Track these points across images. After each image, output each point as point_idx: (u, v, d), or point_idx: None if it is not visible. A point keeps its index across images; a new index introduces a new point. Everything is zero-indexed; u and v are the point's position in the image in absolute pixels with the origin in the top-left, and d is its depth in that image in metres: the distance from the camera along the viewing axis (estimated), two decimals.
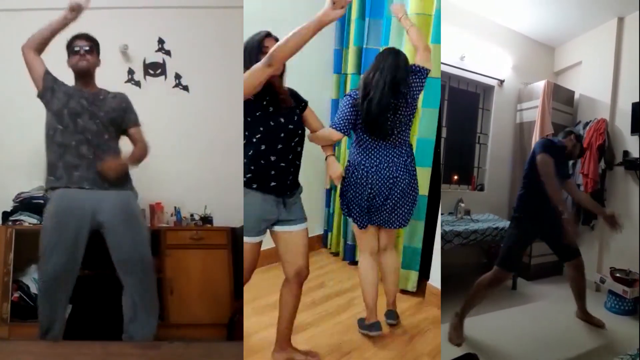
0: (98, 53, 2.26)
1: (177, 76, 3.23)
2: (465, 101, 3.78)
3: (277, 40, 1.76)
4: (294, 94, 1.99)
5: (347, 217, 2.48)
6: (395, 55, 2.19)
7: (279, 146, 1.81)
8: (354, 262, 3.39)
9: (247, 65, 1.77)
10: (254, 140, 1.80)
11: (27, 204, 2.77)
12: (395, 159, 2.24)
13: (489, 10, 3.45)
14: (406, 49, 2.61)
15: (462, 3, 3.24)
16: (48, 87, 2.13)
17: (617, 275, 2.99)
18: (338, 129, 2.14)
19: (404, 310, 2.76)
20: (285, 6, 3.20)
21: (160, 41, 3.20)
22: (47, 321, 2.10)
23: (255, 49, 1.79)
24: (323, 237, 3.86)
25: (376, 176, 2.21)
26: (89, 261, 2.23)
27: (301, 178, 2.02)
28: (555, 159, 2.31)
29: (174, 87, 3.23)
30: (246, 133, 1.81)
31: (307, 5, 3.20)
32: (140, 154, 2.27)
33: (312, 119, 2.07)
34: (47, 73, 2.15)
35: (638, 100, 3.10)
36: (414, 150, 2.87)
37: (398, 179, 2.23)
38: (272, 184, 1.81)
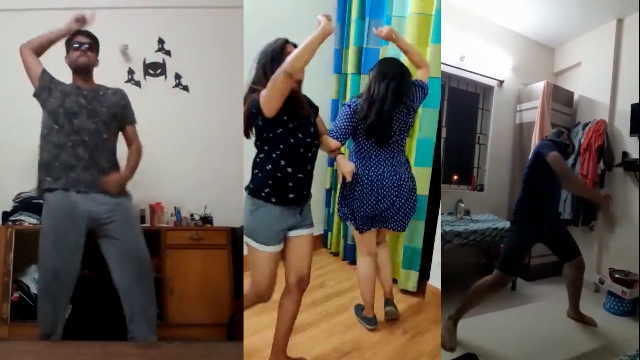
0: (97, 52, 2.26)
1: (177, 76, 3.23)
2: (465, 101, 3.79)
3: (295, 46, 1.77)
4: (308, 101, 1.97)
5: (347, 223, 2.51)
6: (400, 66, 2.27)
7: (298, 159, 1.80)
8: (353, 262, 3.39)
9: (266, 71, 1.73)
10: (274, 156, 1.76)
11: (27, 204, 2.77)
12: (396, 168, 2.31)
13: (488, 11, 3.45)
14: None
15: (462, 3, 3.25)
16: (45, 86, 2.13)
17: (616, 276, 2.99)
18: (335, 137, 2.19)
19: (404, 310, 2.76)
20: (285, 6, 3.20)
21: (160, 41, 3.20)
22: (47, 325, 2.10)
23: (277, 55, 1.75)
24: (323, 237, 3.86)
25: (382, 184, 2.28)
26: (89, 261, 2.23)
27: None
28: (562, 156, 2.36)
29: (174, 87, 3.24)
30: (265, 147, 1.77)
31: (307, 5, 3.23)
32: (136, 158, 2.28)
33: (320, 124, 2.07)
34: (44, 72, 2.16)
35: (637, 101, 3.10)
36: (414, 150, 2.89)
37: (402, 186, 2.31)
38: (291, 196, 1.80)
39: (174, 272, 2.79)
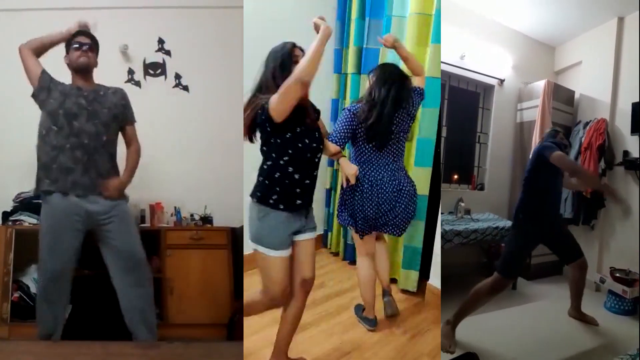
0: (97, 53, 2.27)
1: (177, 76, 3.23)
2: (466, 100, 3.78)
3: (301, 49, 1.77)
4: (311, 105, 1.96)
5: (347, 227, 2.52)
6: (400, 73, 2.31)
7: (305, 165, 1.80)
8: (353, 262, 3.38)
9: (276, 76, 1.72)
10: (282, 163, 1.75)
11: (27, 204, 2.77)
12: (396, 173, 2.34)
13: (489, 10, 3.45)
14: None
15: (462, 2, 3.24)
16: (44, 87, 2.13)
17: (617, 275, 2.99)
18: (334, 141, 2.20)
19: (404, 310, 2.76)
20: (285, 6, 3.20)
21: (160, 41, 3.20)
22: (47, 325, 2.10)
23: (287, 59, 1.74)
24: (323, 237, 3.86)
25: (382, 189, 2.29)
26: (90, 261, 2.23)
27: None
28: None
29: (174, 87, 3.23)
30: (273, 155, 1.76)
31: (307, 5, 3.23)
32: (135, 160, 2.29)
33: (322, 127, 2.07)
34: (44, 72, 2.16)
35: (638, 100, 3.10)
36: (415, 150, 2.89)
37: (401, 191, 2.33)
38: (299, 202, 1.81)
39: (174, 272, 2.79)
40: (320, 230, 3.85)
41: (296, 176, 1.77)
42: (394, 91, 2.22)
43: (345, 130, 2.23)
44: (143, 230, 2.66)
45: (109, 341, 2.01)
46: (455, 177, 3.74)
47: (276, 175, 1.76)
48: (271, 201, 1.76)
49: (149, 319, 2.24)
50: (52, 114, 2.10)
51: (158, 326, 2.34)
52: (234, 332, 2.57)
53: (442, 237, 2.83)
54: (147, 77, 3.20)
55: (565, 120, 3.68)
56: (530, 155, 2.54)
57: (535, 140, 3.42)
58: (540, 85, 3.58)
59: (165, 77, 3.23)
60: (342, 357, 2.24)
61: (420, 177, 2.83)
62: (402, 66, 2.43)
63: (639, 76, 3.06)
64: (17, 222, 2.70)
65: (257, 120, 1.73)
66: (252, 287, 2.84)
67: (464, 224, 3.16)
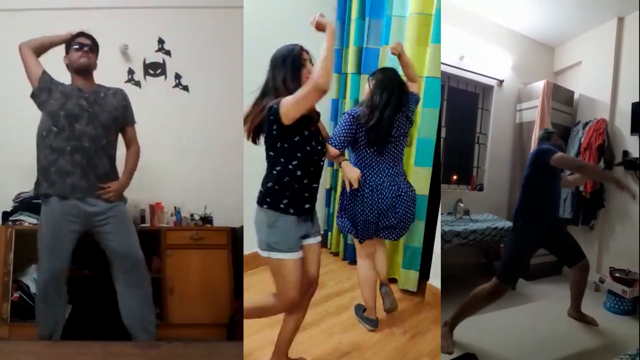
0: (97, 55, 2.26)
1: (177, 76, 3.23)
2: (465, 101, 3.78)
3: (307, 52, 1.77)
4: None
5: (347, 234, 2.54)
6: (399, 79, 2.36)
7: (313, 169, 1.81)
8: (353, 262, 3.38)
9: (286, 80, 1.72)
10: (290, 167, 1.74)
11: (27, 204, 2.77)
12: (395, 178, 2.35)
13: (488, 10, 3.45)
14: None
15: (462, 3, 3.24)
16: (44, 88, 2.13)
17: (617, 275, 2.99)
18: (334, 145, 2.21)
19: (404, 310, 2.76)
20: (285, 6, 3.20)
21: (160, 41, 3.20)
22: (46, 325, 2.10)
23: (297, 62, 1.74)
24: (323, 237, 3.86)
25: (382, 194, 2.31)
26: (90, 261, 2.23)
27: None
28: None
29: (174, 87, 3.23)
30: (281, 160, 1.75)
31: (307, 5, 3.23)
32: (134, 161, 2.29)
33: (322, 130, 2.06)
34: (45, 73, 2.16)
35: (638, 100, 3.10)
36: (415, 150, 2.89)
37: (401, 196, 2.34)
38: (307, 206, 1.83)
39: (174, 272, 2.79)
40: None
41: (305, 181, 1.78)
42: (395, 96, 2.26)
43: (346, 134, 2.23)
44: (143, 230, 2.67)
45: (109, 341, 2.01)
46: (454, 177, 3.74)
47: (285, 180, 1.75)
48: (282, 206, 1.75)
49: (148, 319, 2.24)
50: (53, 115, 2.09)
51: (158, 326, 2.34)
52: (234, 332, 2.57)
53: (442, 237, 2.84)
54: (147, 77, 3.20)
55: (564, 121, 3.68)
56: (528, 159, 2.53)
57: (535, 141, 3.42)
58: (539, 85, 3.58)
59: (165, 77, 3.22)
60: (342, 357, 2.24)
61: (420, 177, 2.83)
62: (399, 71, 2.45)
63: (638, 76, 3.06)
64: (17, 222, 2.70)
65: (263, 123, 1.72)
66: (252, 287, 2.86)
67: (463, 225, 3.16)
